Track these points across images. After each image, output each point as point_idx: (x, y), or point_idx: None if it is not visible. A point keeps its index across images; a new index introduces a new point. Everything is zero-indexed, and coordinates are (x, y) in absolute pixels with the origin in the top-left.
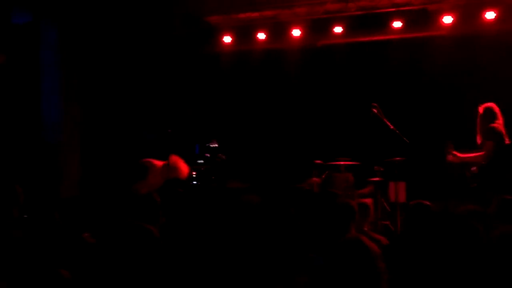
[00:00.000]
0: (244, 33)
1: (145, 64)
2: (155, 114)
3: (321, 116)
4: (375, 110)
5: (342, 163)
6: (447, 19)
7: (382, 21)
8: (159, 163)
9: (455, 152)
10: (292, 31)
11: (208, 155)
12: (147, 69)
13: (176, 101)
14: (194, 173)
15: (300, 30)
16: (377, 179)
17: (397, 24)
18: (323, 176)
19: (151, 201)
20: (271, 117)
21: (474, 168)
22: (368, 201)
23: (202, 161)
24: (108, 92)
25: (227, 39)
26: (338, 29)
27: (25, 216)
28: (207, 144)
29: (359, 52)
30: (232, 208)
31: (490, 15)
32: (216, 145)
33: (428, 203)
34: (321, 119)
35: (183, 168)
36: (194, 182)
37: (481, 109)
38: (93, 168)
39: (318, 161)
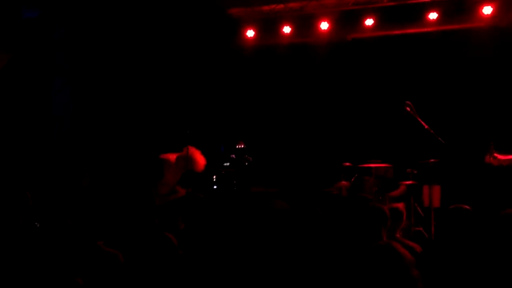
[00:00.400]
0: (268, 27)
1: (163, 60)
2: (174, 112)
3: (351, 115)
4: (408, 109)
5: (372, 165)
6: (487, 10)
7: (416, 12)
8: (172, 156)
9: (496, 154)
10: (319, 24)
11: (234, 156)
12: (165, 65)
13: (197, 99)
14: (214, 176)
15: (328, 23)
16: (410, 182)
17: (432, 15)
18: (352, 180)
19: (169, 208)
20: (298, 117)
21: None
22: (401, 205)
23: (227, 164)
24: (123, 89)
25: (250, 33)
26: (369, 22)
27: (37, 224)
28: (235, 146)
29: (392, 46)
30: (257, 215)
31: None
32: (243, 146)
33: (467, 207)
34: (350, 118)
35: (199, 159)
36: (215, 187)
37: None
38: (104, 172)
39: (347, 164)
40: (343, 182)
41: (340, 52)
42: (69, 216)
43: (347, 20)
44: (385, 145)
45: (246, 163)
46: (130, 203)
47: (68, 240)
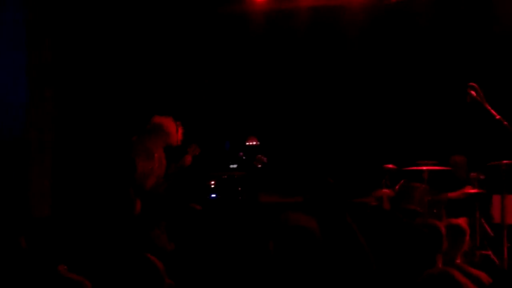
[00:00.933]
0: None
1: (145, 30)
2: (158, 98)
3: (394, 102)
4: (473, 93)
5: (424, 168)
6: None
7: None
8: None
9: None
10: None
11: (243, 155)
12: (148, 37)
13: (190, 81)
14: (212, 182)
15: None
16: (475, 191)
17: None
18: (397, 187)
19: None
20: (325, 104)
21: None
22: (462, 222)
23: (234, 166)
24: (95, 69)
25: None
26: None
27: None
28: (244, 142)
29: (447, 10)
30: (271, 235)
31: None
32: (255, 143)
33: None
34: (394, 106)
35: (170, 126)
36: (213, 195)
37: None
38: (71, 176)
39: (390, 166)
40: (385, 190)
41: (379, 20)
42: (22, 232)
43: None
44: (440, 142)
45: (259, 165)
46: (101, 212)
47: (21, 265)
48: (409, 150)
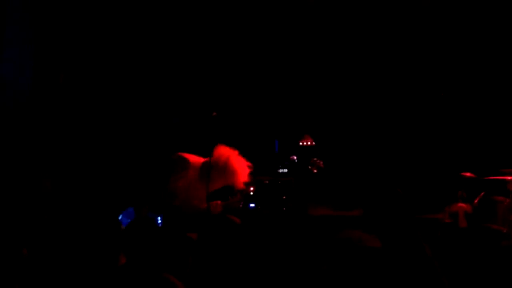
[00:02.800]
0: None
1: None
2: (183, 84)
3: (473, 100)
4: None
5: (509, 178)
6: None
7: None
8: (196, 158)
9: None
10: None
11: (295, 158)
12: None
13: (234, 67)
14: (251, 188)
15: None
16: None
17: None
18: (476, 201)
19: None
20: (391, 100)
21: None
22: None
23: (284, 170)
24: (108, 52)
25: None
26: None
27: None
28: (298, 143)
29: None
30: (323, 255)
31: None
32: (310, 144)
33: None
34: (473, 104)
35: (241, 169)
36: (252, 205)
37: None
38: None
39: (468, 174)
40: (461, 205)
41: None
42: (25, 242)
43: None
44: None
45: (315, 170)
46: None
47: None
48: (490, 156)
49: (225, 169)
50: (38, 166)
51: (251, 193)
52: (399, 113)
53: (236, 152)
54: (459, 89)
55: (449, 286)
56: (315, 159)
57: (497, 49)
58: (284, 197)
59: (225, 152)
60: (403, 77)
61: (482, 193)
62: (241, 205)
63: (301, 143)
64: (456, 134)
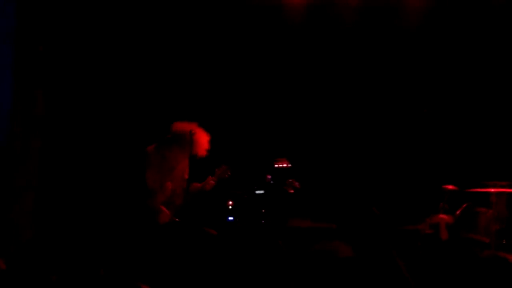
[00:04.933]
0: None
1: (146, 26)
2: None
3: (456, 110)
4: None
5: (493, 190)
6: None
7: None
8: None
9: None
10: None
11: (270, 178)
12: (153, 34)
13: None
14: (230, 202)
15: None
16: None
17: None
18: (458, 213)
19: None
20: (369, 112)
21: None
22: None
23: (261, 191)
24: (91, 67)
25: None
26: None
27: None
28: (273, 164)
29: None
30: (302, 266)
31: None
32: (286, 165)
33: None
34: (455, 115)
35: (204, 138)
36: (231, 218)
37: None
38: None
39: (450, 187)
40: (442, 216)
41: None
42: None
43: None
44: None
45: (291, 191)
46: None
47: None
48: (473, 168)
49: (181, 137)
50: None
51: (230, 207)
52: (382, 124)
53: (194, 124)
54: (441, 102)
55: None
56: (290, 180)
57: (479, 64)
58: (263, 210)
59: (185, 125)
60: (380, 90)
61: (465, 204)
62: (229, 173)
63: (277, 165)
64: (439, 146)
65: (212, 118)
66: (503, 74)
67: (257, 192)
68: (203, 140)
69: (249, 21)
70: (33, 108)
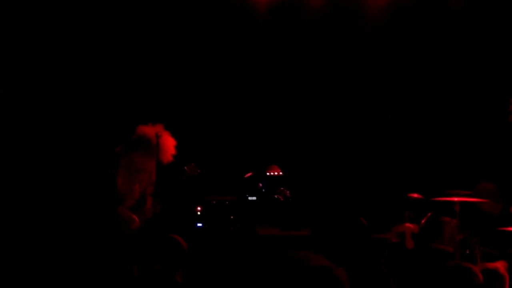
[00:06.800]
0: None
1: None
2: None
3: (424, 121)
4: None
5: (456, 199)
6: None
7: None
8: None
9: None
10: None
11: (262, 186)
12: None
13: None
14: (198, 208)
15: None
16: None
17: None
18: (423, 221)
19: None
20: (340, 126)
21: None
22: (501, 266)
23: (253, 198)
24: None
25: None
26: None
27: None
28: (265, 172)
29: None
30: (270, 275)
31: None
32: (277, 174)
33: None
34: (422, 126)
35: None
36: (199, 225)
37: None
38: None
39: (415, 195)
40: (408, 225)
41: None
42: None
43: None
44: (477, 169)
45: (282, 199)
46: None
47: None
48: (438, 178)
49: (146, 142)
50: None
51: (198, 213)
52: (350, 136)
53: (159, 127)
54: (406, 111)
55: None
56: (282, 188)
57: (445, 74)
58: (231, 217)
59: (145, 128)
60: (345, 98)
61: (429, 214)
62: (198, 170)
63: (268, 173)
64: (404, 156)
65: (206, 125)
66: (468, 84)
67: (250, 198)
68: (169, 145)
69: (220, 21)
70: None
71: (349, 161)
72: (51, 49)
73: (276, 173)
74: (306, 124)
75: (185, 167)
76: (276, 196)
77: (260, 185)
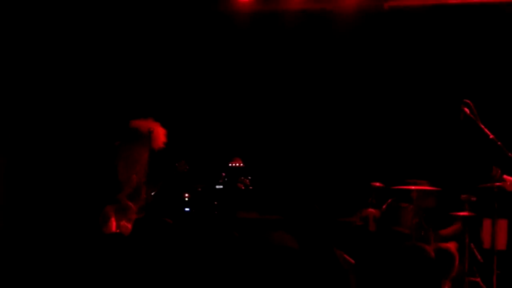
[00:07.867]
0: None
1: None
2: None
3: (385, 116)
4: (467, 110)
5: (413, 187)
6: None
7: None
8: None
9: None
10: None
11: (224, 175)
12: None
13: (166, 88)
14: (186, 195)
15: None
16: (465, 213)
17: None
18: (384, 207)
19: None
20: (310, 116)
21: None
22: (452, 246)
23: (220, 186)
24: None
25: None
26: None
27: None
28: (227, 163)
29: (448, 17)
30: (249, 255)
31: None
32: (238, 165)
33: None
34: (384, 120)
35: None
36: (187, 209)
37: None
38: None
39: (377, 184)
40: (371, 210)
41: (373, 26)
42: None
43: None
44: (431, 160)
45: (243, 187)
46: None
47: None
48: (398, 168)
49: (139, 133)
50: None
51: (186, 199)
52: (317, 129)
53: (149, 120)
54: (370, 102)
55: (357, 284)
56: (242, 177)
57: (405, 64)
58: (215, 203)
59: (137, 122)
60: (313, 88)
61: (390, 200)
62: (187, 167)
63: (231, 164)
64: (369, 147)
65: (179, 121)
66: (428, 76)
67: (217, 187)
68: (160, 134)
69: (199, 24)
70: None
71: (323, 154)
72: (51, 49)
73: (238, 165)
74: (271, 119)
75: (176, 164)
76: (237, 185)
77: (223, 174)
